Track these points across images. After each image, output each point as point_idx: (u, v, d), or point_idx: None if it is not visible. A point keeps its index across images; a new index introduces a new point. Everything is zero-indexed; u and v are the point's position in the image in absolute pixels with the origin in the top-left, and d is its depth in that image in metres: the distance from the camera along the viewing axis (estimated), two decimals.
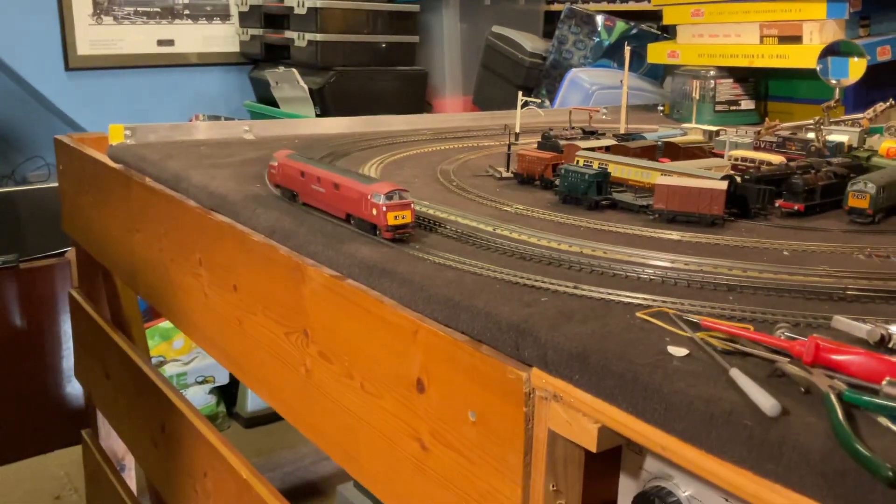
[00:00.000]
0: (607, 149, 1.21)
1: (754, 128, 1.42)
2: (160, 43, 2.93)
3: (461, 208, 1.03)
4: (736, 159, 1.19)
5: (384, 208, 0.88)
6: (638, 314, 0.68)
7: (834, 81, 1.46)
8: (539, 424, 0.65)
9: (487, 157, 1.43)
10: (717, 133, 1.43)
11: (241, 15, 2.97)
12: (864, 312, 0.69)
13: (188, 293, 1.24)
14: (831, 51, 1.48)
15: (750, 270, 0.78)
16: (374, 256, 0.85)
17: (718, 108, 1.92)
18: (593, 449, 0.61)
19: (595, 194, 1.04)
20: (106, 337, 1.64)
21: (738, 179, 1.03)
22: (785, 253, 0.86)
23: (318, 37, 2.64)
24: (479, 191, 1.14)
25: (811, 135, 1.28)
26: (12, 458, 2.52)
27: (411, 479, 0.79)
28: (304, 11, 2.66)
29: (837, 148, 1.25)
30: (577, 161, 1.12)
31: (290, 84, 2.67)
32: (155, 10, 2.90)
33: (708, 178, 0.98)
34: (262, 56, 2.91)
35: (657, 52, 2.06)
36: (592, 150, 1.17)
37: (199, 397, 2.67)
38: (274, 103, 2.84)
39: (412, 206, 0.90)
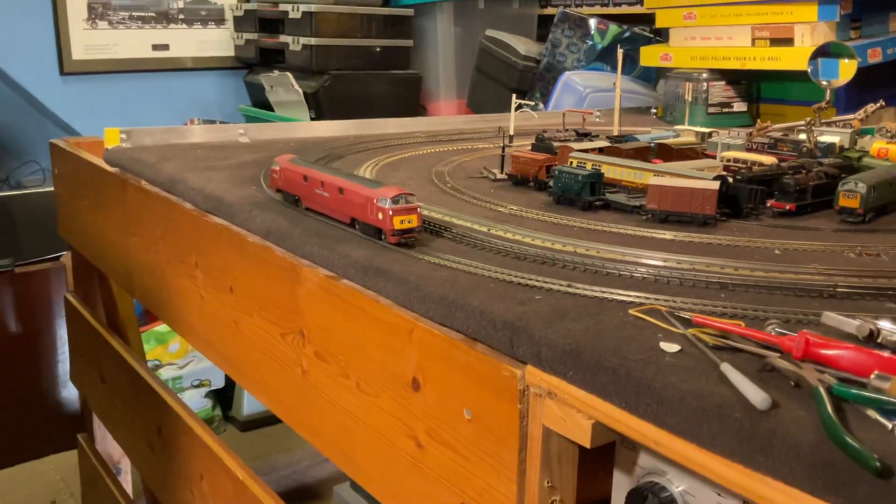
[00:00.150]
0: (601, 150, 1.22)
1: (746, 129, 1.43)
2: (155, 47, 2.93)
3: (456, 209, 1.03)
4: (728, 160, 1.20)
5: (390, 212, 0.86)
6: (631, 312, 0.68)
7: (825, 83, 1.47)
8: (534, 421, 0.65)
9: (482, 160, 1.43)
10: (710, 135, 1.44)
11: (236, 19, 2.97)
12: (854, 309, 0.70)
13: (184, 296, 1.24)
14: (822, 52, 1.49)
15: (741, 269, 0.79)
16: (370, 257, 0.85)
17: (711, 110, 1.93)
18: (587, 445, 0.62)
19: (588, 195, 1.05)
20: (102, 341, 1.64)
21: (730, 180, 1.04)
22: (776, 252, 0.87)
23: (313, 41, 2.65)
24: (474, 192, 1.15)
25: (803, 136, 1.29)
26: (8, 462, 2.51)
27: (407, 477, 0.80)
28: (298, 16, 2.67)
29: (829, 149, 1.26)
30: (571, 162, 1.13)
31: (284, 88, 2.68)
32: (150, 14, 2.91)
33: (700, 178, 0.99)
34: (257, 60, 2.92)
35: (650, 55, 2.07)
36: (586, 151, 1.18)
37: (194, 401, 2.66)
38: (269, 107, 2.84)
39: (419, 210, 0.88)
